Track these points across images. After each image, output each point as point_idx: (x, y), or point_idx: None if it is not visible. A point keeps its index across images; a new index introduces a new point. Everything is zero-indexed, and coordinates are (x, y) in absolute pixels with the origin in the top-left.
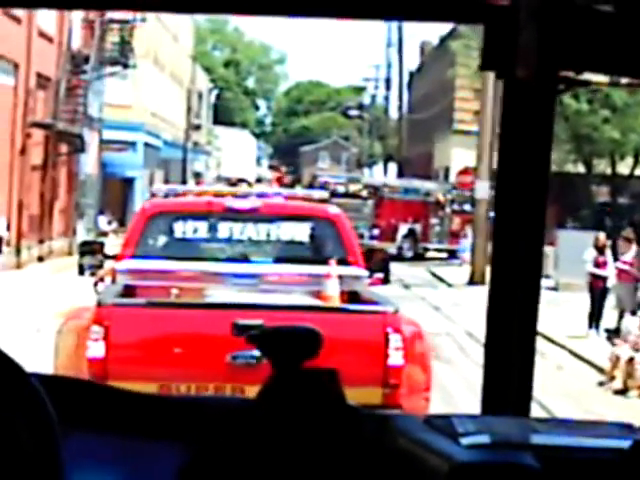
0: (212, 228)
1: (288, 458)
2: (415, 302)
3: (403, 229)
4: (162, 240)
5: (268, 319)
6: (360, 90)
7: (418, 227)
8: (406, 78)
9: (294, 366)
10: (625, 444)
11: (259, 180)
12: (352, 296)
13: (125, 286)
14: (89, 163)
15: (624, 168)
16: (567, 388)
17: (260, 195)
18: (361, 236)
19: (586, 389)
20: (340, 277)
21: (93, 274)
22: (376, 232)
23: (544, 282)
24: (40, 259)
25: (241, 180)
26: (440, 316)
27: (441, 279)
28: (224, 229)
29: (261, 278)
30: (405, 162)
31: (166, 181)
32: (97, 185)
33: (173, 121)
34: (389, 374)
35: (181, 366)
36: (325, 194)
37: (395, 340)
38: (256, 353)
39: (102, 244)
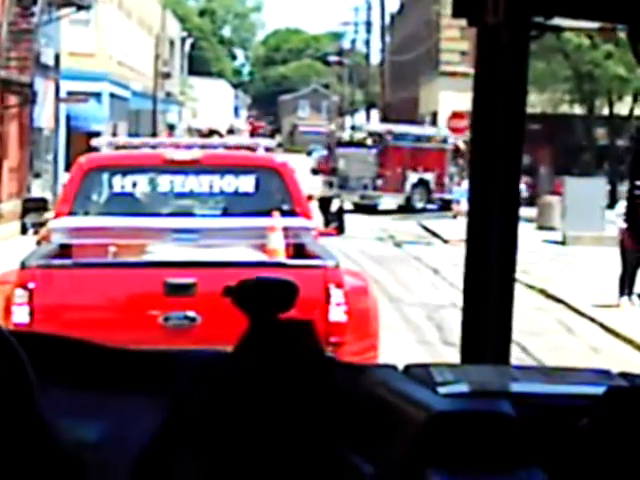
0: (152, 182)
1: (266, 409)
2: (410, 263)
3: (412, 178)
4: (100, 196)
5: (202, 277)
6: (339, 36)
7: (431, 176)
8: (387, 21)
9: (270, 318)
10: (601, 391)
11: (231, 131)
12: (298, 249)
13: (60, 245)
14: (45, 116)
15: (622, 108)
16: None
17: (203, 146)
18: (365, 187)
19: None
20: (286, 229)
21: (37, 232)
22: (380, 182)
23: (551, 235)
24: None
25: (213, 131)
26: (441, 281)
27: (435, 234)
28: (165, 182)
29: (203, 233)
30: (388, 108)
31: (137, 134)
32: (56, 140)
33: (143, 71)
34: (331, 331)
35: (111, 329)
36: (272, 142)
37: (336, 296)
38: (189, 313)
39: (46, 201)
